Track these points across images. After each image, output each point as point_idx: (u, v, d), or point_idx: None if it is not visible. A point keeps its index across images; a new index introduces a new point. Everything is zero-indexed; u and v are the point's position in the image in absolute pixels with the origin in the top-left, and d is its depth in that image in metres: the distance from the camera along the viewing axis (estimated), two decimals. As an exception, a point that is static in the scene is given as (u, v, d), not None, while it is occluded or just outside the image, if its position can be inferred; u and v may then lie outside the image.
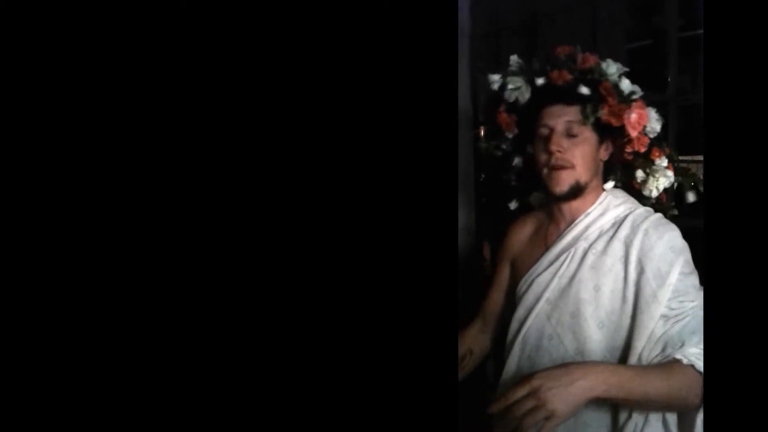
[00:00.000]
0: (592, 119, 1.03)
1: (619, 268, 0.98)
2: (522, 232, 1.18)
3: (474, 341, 1.20)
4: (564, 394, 0.77)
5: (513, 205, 1.25)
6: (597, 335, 0.96)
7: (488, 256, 1.53)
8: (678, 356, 0.86)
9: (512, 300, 1.13)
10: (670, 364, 0.86)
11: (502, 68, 1.16)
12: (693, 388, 0.84)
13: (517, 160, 1.21)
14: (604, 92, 1.05)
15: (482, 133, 1.53)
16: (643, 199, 1.12)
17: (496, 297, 1.20)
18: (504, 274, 1.19)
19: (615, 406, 0.93)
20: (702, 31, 1.22)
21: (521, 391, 0.78)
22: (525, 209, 1.23)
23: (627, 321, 0.95)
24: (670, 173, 1.12)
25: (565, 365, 0.82)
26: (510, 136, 1.17)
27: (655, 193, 1.12)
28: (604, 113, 1.03)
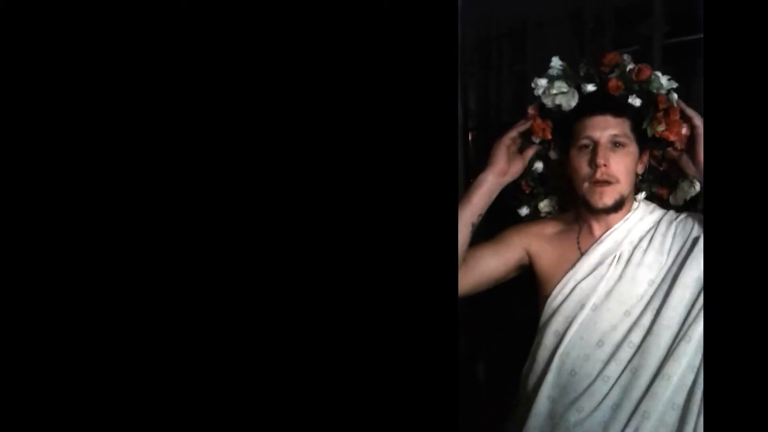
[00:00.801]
0: (650, 133, 1.02)
1: (669, 261, 1.00)
2: (544, 229, 1.14)
3: None
4: None
5: (524, 211, 1.21)
6: (656, 327, 0.96)
7: None
8: None
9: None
10: None
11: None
12: None
13: (537, 165, 1.16)
14: (663, 106, 1.02)
15: (470, 137, 1.53)
16: (668, 208, 1.12)
17: (493, 262, 1.12)
18: (513, 249, 1.13)
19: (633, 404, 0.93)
20: (688, 38, 1.24)
21: None
22: (534, 216, 1.21)
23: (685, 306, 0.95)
24: (698, 184, 1.11)
25: None
26: (536, 141, 1.13)
27: (681, 203, 1.13)
28: (662, 127, 1.02)
